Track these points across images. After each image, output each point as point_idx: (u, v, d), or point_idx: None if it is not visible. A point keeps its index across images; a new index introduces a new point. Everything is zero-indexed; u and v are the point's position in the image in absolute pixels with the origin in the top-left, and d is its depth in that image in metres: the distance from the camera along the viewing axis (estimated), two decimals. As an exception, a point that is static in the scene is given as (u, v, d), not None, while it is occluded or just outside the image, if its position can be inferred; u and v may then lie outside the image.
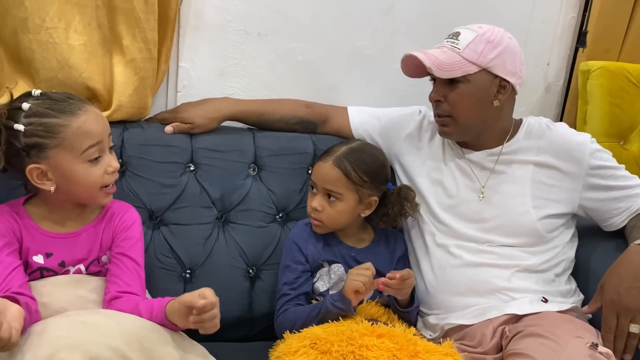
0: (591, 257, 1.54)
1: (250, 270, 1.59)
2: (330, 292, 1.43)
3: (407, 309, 1.44)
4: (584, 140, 1.51)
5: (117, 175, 1.28)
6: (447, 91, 1.46)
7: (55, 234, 1.27)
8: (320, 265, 1.47)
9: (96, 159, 1.23)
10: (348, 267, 1.41)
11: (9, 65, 1.49)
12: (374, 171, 1.45)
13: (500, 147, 1.52)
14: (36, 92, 1.23)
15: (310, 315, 1.36)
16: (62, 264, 1.27)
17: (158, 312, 1.19)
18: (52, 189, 1.22)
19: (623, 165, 1.52)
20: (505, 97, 1.46)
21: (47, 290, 1.23)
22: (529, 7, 1.94)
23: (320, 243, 1.48)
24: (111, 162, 1.26)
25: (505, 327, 1.38)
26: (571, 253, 1.53)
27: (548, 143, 1.51)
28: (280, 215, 1.64)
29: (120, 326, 1.12)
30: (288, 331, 1.35)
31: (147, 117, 1.65)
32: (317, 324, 1.33)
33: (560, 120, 2.01)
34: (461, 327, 1.42)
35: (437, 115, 1.51)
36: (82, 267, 1.29)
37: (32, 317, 1.12)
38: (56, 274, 1.26)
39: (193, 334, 1.24)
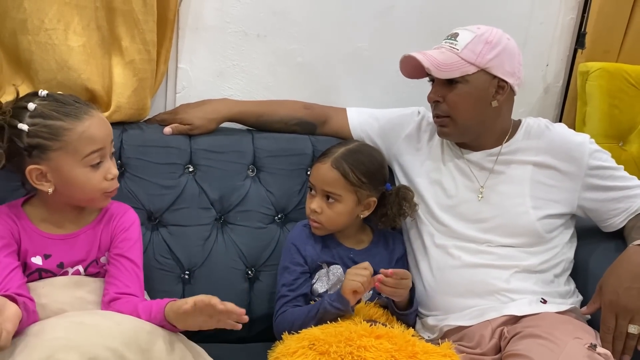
0: (590, 258, 1.54)
1: (249, 272, 1.59)
2: (329, 293, 1.43)
3: (405, 311, 1.43)
4: (582, 140, 1.51)
5: (117, 183, 1.28)
6: (445, 92, 1.46)
7: (53, 235, 1.27)
8: (319, 266, 1.47)
9: (97, 164, 1.23)
10: (347, 268, 1.41)
11: (8, 67, 1.49)
12: (372, 172, 1.46)
13: (499, 147, 1.53)
14: (43, 92, 1.23)
15: (308, 316, 1.36)
16: (61, 265, 1.27)
17: (157, 313, 1.19)
18: (51, 190, 1.22)
19: (622, 166, 1.52)
20: (503, 97, 1.47)
21: (46, 291, 1.23)
22: (528, 9, 1.94)
23: (319, 244, 1.48)
24: (111, 168, 1.26)
25: (504, 328, 1.38)
26: (570, 254, 1.53)
27: (547, 143, 1.51)
28: (279, 216, 1.64)
29: (119, 327, 1.12)
30: (286, 332, 1.35)
31: (146, 118, 1.65)
32: (316, 324, 1.33)
33: (560, 121, 2.01)
34: (460, 328, 1.42)
35: (435, 116, 1.51)
36: (80, 268, 1.29)
37: (30, 317, 1.12)
38: (55, 275, 1.27)
39: (191, 336, 1.24)
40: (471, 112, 1.47)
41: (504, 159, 1.52)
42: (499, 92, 1.46)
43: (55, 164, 1.20)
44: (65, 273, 1.27)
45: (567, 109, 2.05)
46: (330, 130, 1.71)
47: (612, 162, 1.51)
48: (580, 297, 1.50)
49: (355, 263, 1.43)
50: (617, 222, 1.49)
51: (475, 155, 1.54)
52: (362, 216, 1.49)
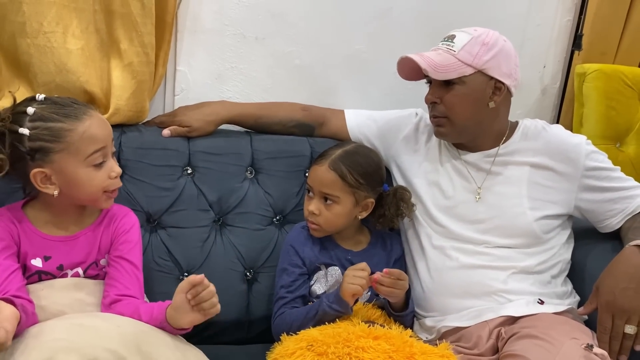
0: (587, 258, 1.54)
1: (248, 273, 1.59)
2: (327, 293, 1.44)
3: (401, 312, 1.44)
4: (579, 141, 1.51)
5: (120, 182, 1.29)
6: (442, 93, 1.47)
7: (53, 237, 1.27)
8: (317, 268, 1.48)
9: (100, 163, 1.24)
10: (345, 270, 1.41)
11: (7, 70, 1.49)
12: (369, 173, 1.46)
13: (497, 148, 1.53)
14: (40, 96, 1.24)
15: (307, 317, 1.37)
16: (61, 267, 1.27)
17: (158, 315, 1.19)
18: (56, 193, 1.22)
19: (618, 167, 1.52)
20: (500, 98, 1.47)
21: (45, 293, 1.23)
22: (525, 11, 1.94)
23: (317, 246, 1.48)
24: (114, 167, 1.27)
25: (501, 328, 1.38)
26: (567, 254, 1.54)
27: (544, 144, 1.52)
28: (278, 218, 1.65)
29: (119, 329, 1.12)
30: (285, 333, 1.35)
31: (144, 121, 1.65)
32: (314, 325, 1.33)
33: (557, 123, 2.02)
34: (457, 329, 1.43)
35: (433, 117, 1.52)
36: (80, 270, 1.29)
37: (29, 319, 1.12)
38: (54, 277, 1.27)
39: (191, 337, 1.25)
40: (468, 113, 1.47)
41: (501, 160, 1.53)
42: (496, 93, 1.47)
43: (58, 166, 1.20)
44: (65, 275, 1.28)
45: (564, 111, 2.05)
46: (328, 132, 1.72)
47: (608, 163, 1.52)
48: (578, 298, 1.50)
49: (353, 264, 1.43)
50: (613, 223, 1.50)
51: (473, 157, 1.54)
52: (360, 217, 1.49)
